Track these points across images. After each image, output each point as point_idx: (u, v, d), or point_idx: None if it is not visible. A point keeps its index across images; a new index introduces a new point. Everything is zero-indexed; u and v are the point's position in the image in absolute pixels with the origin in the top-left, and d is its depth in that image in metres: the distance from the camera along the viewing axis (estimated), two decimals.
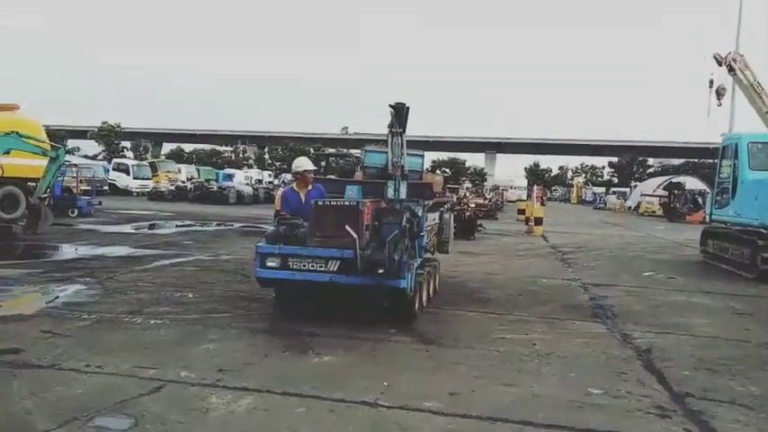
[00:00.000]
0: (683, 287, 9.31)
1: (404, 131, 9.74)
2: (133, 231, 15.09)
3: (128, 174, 36.74)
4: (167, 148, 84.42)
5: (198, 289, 7.41)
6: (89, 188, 23.27)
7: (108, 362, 4.42)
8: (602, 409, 3.90)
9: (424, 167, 9.17)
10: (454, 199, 18.65)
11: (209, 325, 5.65)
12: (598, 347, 5.45)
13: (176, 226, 17.09)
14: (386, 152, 7.51)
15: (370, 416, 3.63)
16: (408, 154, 7.80)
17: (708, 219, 13.72)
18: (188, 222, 18.24)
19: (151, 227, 16.81)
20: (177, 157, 68.63)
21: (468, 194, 28.71)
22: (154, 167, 39.93)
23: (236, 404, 3.72)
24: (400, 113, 9.67)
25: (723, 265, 11.53)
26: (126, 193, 34.90)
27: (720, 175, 12.37)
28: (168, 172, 39.73)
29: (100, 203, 21.31)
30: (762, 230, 10.05)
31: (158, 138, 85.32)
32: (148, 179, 36.95)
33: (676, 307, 7.67)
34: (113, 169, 37.53)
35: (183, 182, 35.84)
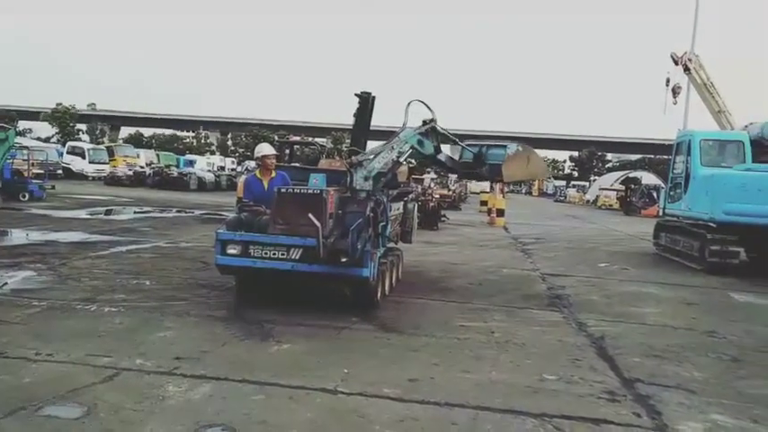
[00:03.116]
0: (635, 278, 9.64)
1: (370, 120, 9.72)
2: (88, 217, 14.60)
3: (83, 158, 35.45)
4: (125, 132, 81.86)
5: (155, 276, 7.24)
6: (41, 171, 22.33)
7: (59, 350, 4.28)
8: (556, 394, 4.02)
9: None
10: (419, 189, 18.78)
11: (166, 312, 5.53)
12: (554, 335, 5.61)
13: (134, 212, 16.62)
14: (504, 145, 7.12)
15: (329, 403, 3.64)
16: (495, 145, 7.33)
17: (661, 212, 14.22)
18: (146, 209, 17.76)
19: (107, 212, 16.29)
20: (136, 141, 66.60)
21: (432, 185, 28.93)
22: (111, 152, 38.62)
23: (194, 392, 3.66)
24: (366, 103, 9.64)
25: (674, 258, 11.98)
26: (81, 177, 33.69)
27: (674, 171, 12.81)
28: (126, 156, 38.51)
29: (53, 188, 20.49)
30: (711, 224, 10.48)
31: (116, 121, 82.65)
32: (105, 163, 35.74)
33: (629, 297, 7.94)
34: (68, 152, 36.16)
35: (142, 167, 34.85)
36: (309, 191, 5.73)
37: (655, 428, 3.56)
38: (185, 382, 3.80)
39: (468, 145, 7.51)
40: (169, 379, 3.85)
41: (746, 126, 12.62)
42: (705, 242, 10.43)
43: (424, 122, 6.55)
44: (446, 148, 8.24)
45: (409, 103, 6.51)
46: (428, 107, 6.62)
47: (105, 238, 10.44)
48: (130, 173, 31.93)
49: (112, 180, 31.00)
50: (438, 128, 6.70)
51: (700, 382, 4.43)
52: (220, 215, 15.86)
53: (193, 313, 5.58)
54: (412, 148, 6.38)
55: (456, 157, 7.79)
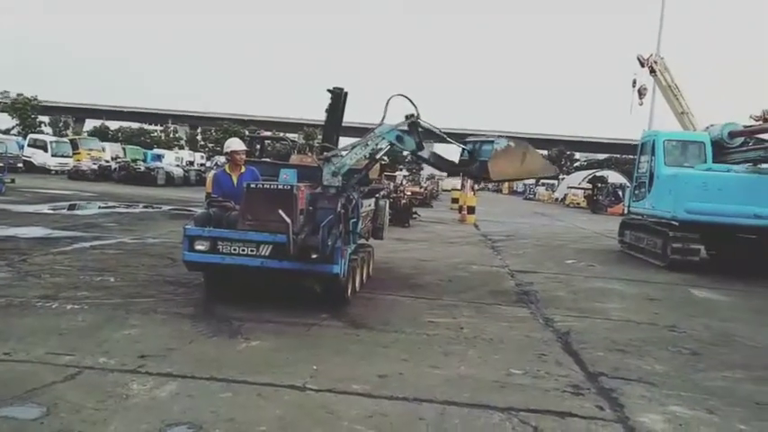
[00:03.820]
0: (601, 274, 9.87)
1: (342, 116, 9.67)
2: (50, 212, 14.15)
3: (45, 150, 34.29)
4: (90, 124, 79.66)
5: (120, 273, 7.07)
6: (0, 164, 21.56)
7: (17, 348, 4.15)
8: (523, 388, 4.09)
9: None
10: (391, 186, 18.80)
11: (131, 310, 5.41)
12: (521, 331, 5.70)
13: (99, 207, 16.18)
14: (492, 140, 6.61)
15: (298, 399, 3.62)
16: (486, 141, 6.79)
17: (626, 211, 14.57)
18: (112, 204, 17.31)
19: (71, 207, 15.82)
20: (101, 134, 64.85)
21: (404, 182, 29.03)
22: (75, 145, 37.49)
23: (159, 390, 3.60)
24: (338, 98, 9.59)
25: (638, 255, 12.30)
26: (43, 171, 32.61)
27: (639, 170, 13.14)
28: (91, 150, 37.45)
29: (13, 181, 19.83)
30: (673, 222, 10.79)
31: (81, 113, 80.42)
32: (69, 157, 34.68)
33: (594, 293, 8.13)
34: (29, 145, 34.94)
35: (108, 161, 33.98)
36: (279, 186, 5.69)
37: (617, 420, 3.65)
38: (150, 381, 3.73)
39: (467, 142, 7.21)
40: (134, 377, 3.77)
41: (708, 127, 13.02)
42: (667, 240, 10.73)
43: (407, 118, 6.29)
44: (445, 147, 7.97)
45: (390, 98, 6.22)
46: (411, 102, 6.28)
47: (68, 234, 10.15)
48: (95, 167, 31.08)
49: (76, 174, 30.13)
50: (422, 123, 6.36)
51: (660, 375, 4.57)
52: (189, 211, 15.59)
53: (160, 310, 5.48)
54: (390, 144, 6.22)
55: (458, 155, 7.51)
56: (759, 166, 11.00)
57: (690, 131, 16.11)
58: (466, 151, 7.09)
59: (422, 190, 28.47)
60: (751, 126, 12.55)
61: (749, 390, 4.42)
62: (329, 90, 9.44)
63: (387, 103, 6.23)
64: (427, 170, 71.99)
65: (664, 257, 10.88)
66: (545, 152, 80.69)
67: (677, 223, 10.67)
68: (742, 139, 11.96)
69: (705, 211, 10.24)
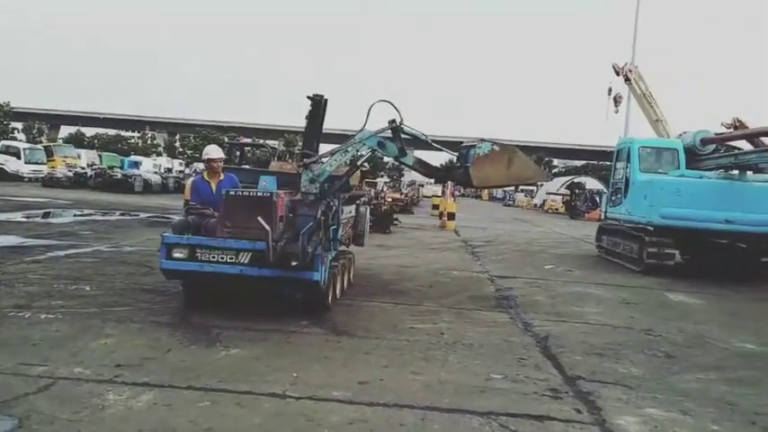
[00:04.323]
0: (579, 279, 10.00)
1: (322, 123, 9.67)
2: (24, 220, 13.85)
3: (18, 158, 33.58)
4: (65, 131, 78.31)
5: (96, 281, 6.95)
6: None
7: None
8: (503, 393, 4.12)
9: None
10: (372, 193, 18.84)
11: (107, 319, 5.32)
12: (501, 335, 5.75)
13: (74, 215, 15.89)
14: (474, 144, 6.40)
15: (278, 407, 3.60)
16: (470, 146, 6.57)
17: (603, 216, 14.80)
18: (88, 211, 17.01)
19: (45, 215, 15.50)
20: (77, 141, 63.77)
21: (385, 189, 29.14)
22: (49, 152, 36.78)
23: (136, 400, 3.54)
24: (318, 105, 9.59)
25: (615, 259, 12.50)
26: (16, 178, 31.92)
27: (615, 177, 13.38)
28: (66, 157, 36.78)
29: None
30: (648, 227, 11.00)
31: (55, 120, 79.03)
32: (43, 164, 34.01)
33: (572, 297, 8.23)
34: (1, 152, 34.15)
35: (83, 168, 33.40)
36: (259, 194, 5.66)
37: (594, 423, 3.70)
38: (127, 391, 3.67)
39: (460, 147, 6.97)
40: (109, 387, 3.71)
41: (681, 135, 13.33)
42: (643, 244, 10.93)
43: (389, 123, 6.17)
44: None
45: (372, 105, 6.17)
46: (395, 107, 6.15)
47: (42, 243, 9.94)
48: (70, 174, 30.53)
49: (51, 181, 29.53)
50: (405, 129, 6.22)
51: (636, 378, 4.64)
52: (167, 218, 15.39)
53: (136, 319, 5.39)
54: (372, 150, 6.18)
55: (445, 161, 7.45)
56: (730, 172, 11.28)
57: (664, 138, 16.47)
58: (456, 157, 6.98)
59: (402, 196, 28.58)
60: (722, 133, 12.89)
61: (722, 391, 4.52)
62: (309, 97, 9.44)
63: (369, 110, 6.20)
64: (408, 176, 72.25)
65: (640, 262, 11.07)
66: None
67: (652, 228, 10.87)
68: (714, 146, 12.27)
69: (679, 216, 10.46)
